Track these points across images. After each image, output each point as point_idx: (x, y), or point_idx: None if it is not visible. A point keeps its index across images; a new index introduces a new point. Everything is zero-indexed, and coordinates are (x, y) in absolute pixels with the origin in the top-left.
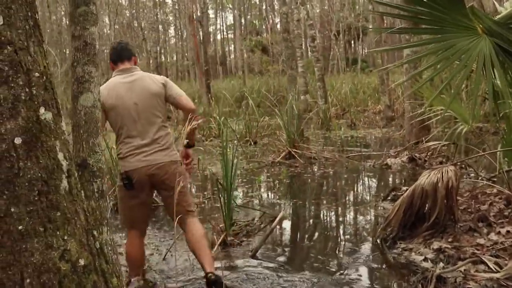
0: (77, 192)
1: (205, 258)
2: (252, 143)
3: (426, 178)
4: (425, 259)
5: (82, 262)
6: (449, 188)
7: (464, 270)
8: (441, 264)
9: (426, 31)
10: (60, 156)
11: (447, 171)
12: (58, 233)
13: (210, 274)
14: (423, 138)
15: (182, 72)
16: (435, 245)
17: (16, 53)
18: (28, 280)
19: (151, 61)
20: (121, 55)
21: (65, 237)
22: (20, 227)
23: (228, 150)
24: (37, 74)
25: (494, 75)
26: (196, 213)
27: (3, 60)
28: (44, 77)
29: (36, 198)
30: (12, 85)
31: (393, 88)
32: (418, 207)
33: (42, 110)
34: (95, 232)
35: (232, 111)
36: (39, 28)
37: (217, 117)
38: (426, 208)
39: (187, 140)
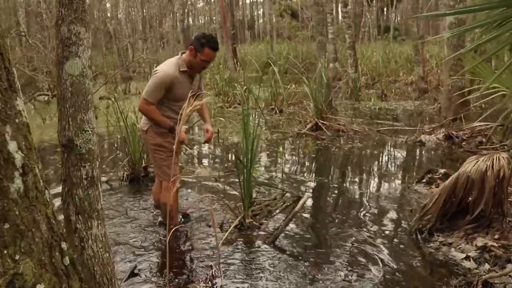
0: (37, 194)
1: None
2: (278, 112)
3: (473, 166)
4: (467, 258)
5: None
6: (499, 178)
7: None
8: (487, 266)
9: None
10: (12, 146)
11: (498, 159)
12: (5, 252)
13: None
14: (462, 115)
15: None
16: (479, 241)
17: None
18: None
19: (177, 24)
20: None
21: (16, 257)
22: None
23: (251, 119)
24: None
25: None
26: (167, 181)
27: None
28: None
29: None
30: None
31: (427, 59)
32: (461, 197)
33: None
34: (63, 245)
35: (258, 77)
36: None
37: (242, 83)
38: (471, 199)
39: (186, 127)
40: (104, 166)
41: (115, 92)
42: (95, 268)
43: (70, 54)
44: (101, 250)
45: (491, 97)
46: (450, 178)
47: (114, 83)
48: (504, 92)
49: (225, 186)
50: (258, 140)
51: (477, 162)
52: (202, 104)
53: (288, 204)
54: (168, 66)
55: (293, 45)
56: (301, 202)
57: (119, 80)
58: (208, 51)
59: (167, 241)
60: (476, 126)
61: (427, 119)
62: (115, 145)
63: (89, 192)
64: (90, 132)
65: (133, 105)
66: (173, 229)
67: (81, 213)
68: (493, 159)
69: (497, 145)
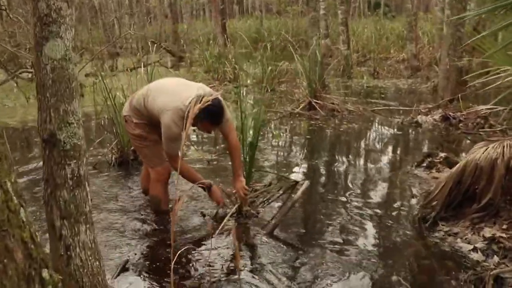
0: (9, 215)
1: None
2: (269, 90)
3: (482, 153)
4: (474, 249)
5: None
6: (510, 166)
7: None
8: (495, 258)
9: None
10: None
11: (509, 146)
12: None
13: None
14: (459, 96)
15: (197, 11)
16: (487, 232)
17: None
18: None
19: None
20: None
21: None
22: None
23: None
24: None
25: None
26: (154, 170)
27: None
28: None
29: None
30: None
31: (420, 36)
32: (468, 185)
33: None
34: (44, 273)
35: (248, 53)
36: None
37: (233, 60)
38: (479, 188)
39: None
40: (91, 148)
41: (102, 69)
42: (84, 280)
43: (50, 34)
44: (90, 258)
45: (505, 80)
46: (457, 165)
47: (101, 59)
48: None
49: (219, 170)
50: (259, 124)
51: (486, 149)
52: (232, 143)
53: (285, 189)
54: (175, 120)
55: (282, 20)
56: (300, 190)
57: (105, 56)
58: (208, 124)
59: (172, 244)
60: (482, 109)
61: (421, 98)
62: (102, 124)
63: (75, 194)
64: (75, 124)
65: (121, 83)
66: (165, 218)
67: (66, 217)
68: (504, 147)
69: (497, 129)
